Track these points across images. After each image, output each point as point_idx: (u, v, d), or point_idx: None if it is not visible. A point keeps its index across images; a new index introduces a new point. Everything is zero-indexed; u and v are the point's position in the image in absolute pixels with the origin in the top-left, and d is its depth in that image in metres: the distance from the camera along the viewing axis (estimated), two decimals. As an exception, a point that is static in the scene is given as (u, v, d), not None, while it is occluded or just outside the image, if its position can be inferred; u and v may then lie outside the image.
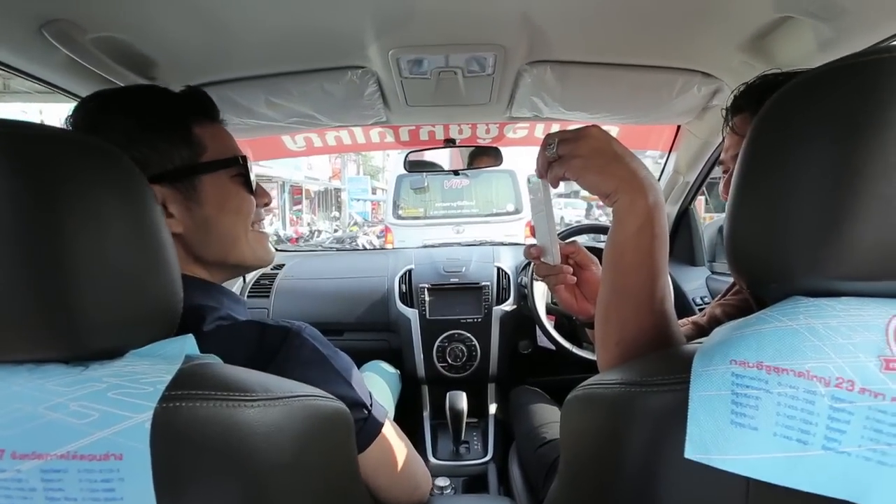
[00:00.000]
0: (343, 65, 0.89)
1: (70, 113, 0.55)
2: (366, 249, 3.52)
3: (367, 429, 0.56)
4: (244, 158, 0.60)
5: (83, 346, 0.37)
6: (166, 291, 0.41)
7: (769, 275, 0.37)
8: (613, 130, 1.42)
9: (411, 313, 1.42)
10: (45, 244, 0.34)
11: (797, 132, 0.34)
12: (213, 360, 0.44)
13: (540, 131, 1.39)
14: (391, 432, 0.61)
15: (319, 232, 8.87)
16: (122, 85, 0.78)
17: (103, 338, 0.37)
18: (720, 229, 1.53)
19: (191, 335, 0.42)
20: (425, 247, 1.90)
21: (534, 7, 0.72)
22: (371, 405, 0.58)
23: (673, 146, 1.32)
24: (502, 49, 0.82)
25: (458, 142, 1.33)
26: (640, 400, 0.37)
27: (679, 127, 1.27)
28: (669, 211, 1.49)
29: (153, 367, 0.37)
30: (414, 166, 1.33)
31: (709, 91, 0.96)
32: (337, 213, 14.85)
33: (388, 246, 4.91)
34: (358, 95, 0.96)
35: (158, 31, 0.73)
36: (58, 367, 0.37)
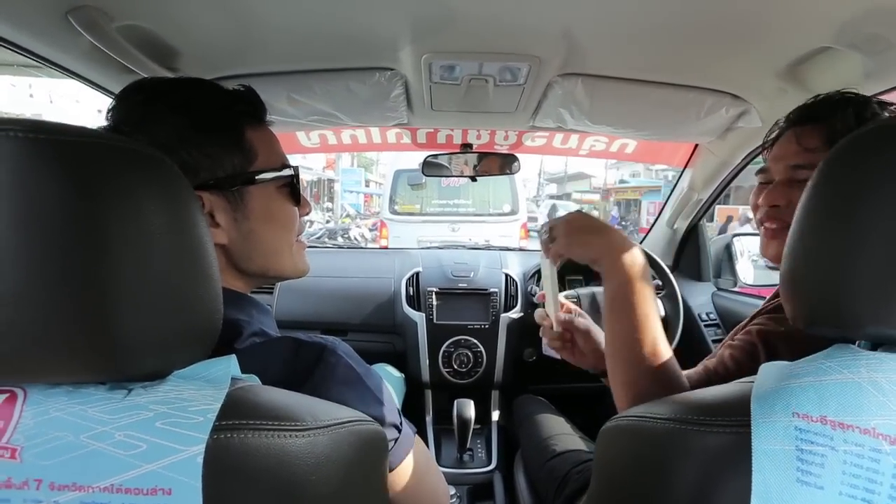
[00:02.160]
0: (372, 66, 0.87)
1: (111, 106, 0.51)
2: (371, 249, 3.48)
3: (398, 448, 0.55)
4: (296, 169, 0.57)
5: (125, 368, 0.35)
6: (210, 309, 0.39)
7: (831, 319, 0.37)
8: (631, 145, 1.42)
9: (418, 317, 1.40)
10: (86, 258, 0.32)
11: (870, 179, 0.34)
12: (255, 380, 0.42)
13: (559, 141, 1.38)
14: (418, 449, 0.60)
15: (311, 223, 8.77)
16: (144, 75, 0.75)
17: (146, 359, 0.35)
18: (727, 246, 1.54)
19: (233, 356, 0.40)
20: (430, 248, 1.88)
21: (575, 20, 0.70)
22: (402, 423, 0.57)
23: (689, 163, 1.32)
24: (537, 60, 0.81)
25: (475, 147, 1.31)
26: (692, 438, 0.37)
27: (696, 145, 1.27)
28: (679, 226, 1.49)
29: (200, 393, 0.36)
30: (432, 170, 1.31)
31: (736, 112, 0.96)
32: (329, 204, 14.71)
33: (383, 241, 4.88)
34: (383, 97, 0.94)
35: (185, 21, 0.70)
36: (98, 391, 0.35)
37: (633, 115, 1.03)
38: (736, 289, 1.47)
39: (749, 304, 1.28)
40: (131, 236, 0.33)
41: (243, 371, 0.45)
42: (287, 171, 0.56)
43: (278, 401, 0.38)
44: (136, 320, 0.34)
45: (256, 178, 0.53)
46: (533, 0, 0.64)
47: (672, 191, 1.46)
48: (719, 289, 1.50)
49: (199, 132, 0.51)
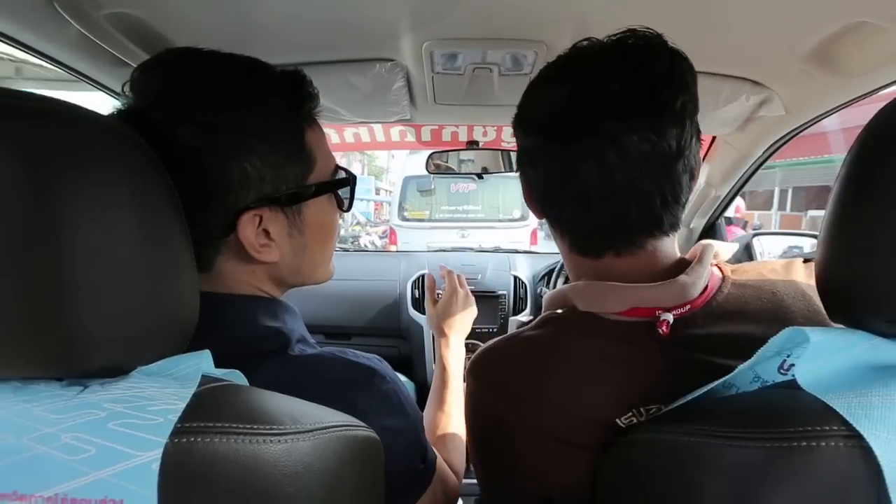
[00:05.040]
0: (372, 56, 0.83)
1: (141, 84, 0.44)
2: (376, 251, 3.48)
3: (423, 478, 0.52)
4: (352, 174, 0.52)
5: (81, 362, 0.31)
6: (180, 300, 0.36)
7: (888, 311, 0.32)
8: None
9: (424, 320, 1.36)
10: (37, 242, 0.28)
11: None
12: (237, 377, 0.38)
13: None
14: (441, 470, 0.57)
15: (322, 230, 8.82)
16: (134, 66, 0.73)
17: (103, 353, 0.31)
18: (747, 246, 1.47)
19: (207, 351, 0.36)
20: (438, 251, 1.84)
21: (579, 4, 0.66)
22: (427, 447, 0.54)
23: (706, 157, 1.26)
24: (544, 46, 0.77)
25: (481, 144, 1.27)
26: (721, 453, 0.32)
27: (714, 137, 1.22)
28: (696, 225, 1.43)
29: (163, 391, 0.32)
30: (437, 168, 1.28)
31: (757, 100, 0.90)
32: (340, 212, 14.79)
33: (392, 247, 4.87)
34: (384, 90, 0.91)
35: (177, 10, 0.67)
36: (49, 388, 0.31)
37: (647, 105, 0.98)
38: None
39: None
40: (86, 216, 0.30)
41: (297, 380, 0.43)
42: (340, 175, 0.51)
43: (254, 401, 0.34)
44: (91, 309, 0.30)
45: (319, 189, 0.49)
46: None
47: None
48: (740, 291, 1.43)
49: (262, 139, 0.44)
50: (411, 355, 1.37)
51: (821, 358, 0.34)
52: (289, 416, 0.33)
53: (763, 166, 1.17)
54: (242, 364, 0.40)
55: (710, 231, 1.44)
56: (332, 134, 1.38)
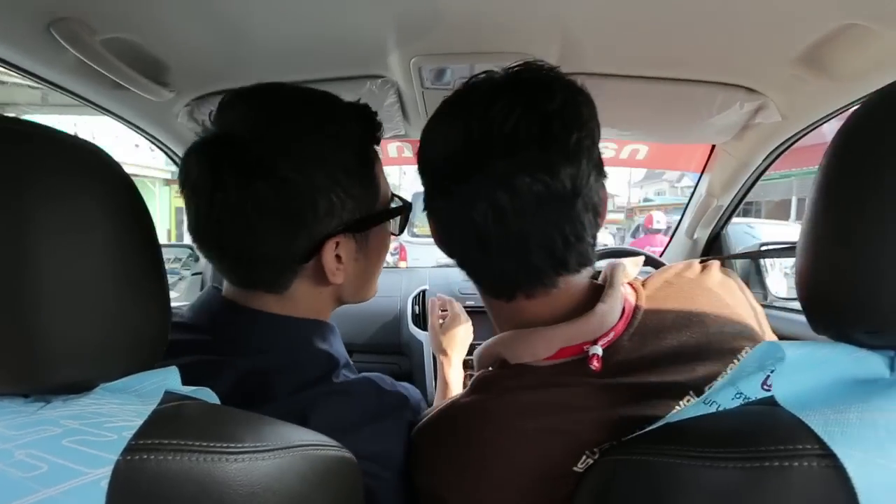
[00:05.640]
0: (362, 74, 0.85)
1: (234, 115, 0.47)
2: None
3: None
4: (410, 205, 0.56)
5: (44, 378, 0.31)
6: (149, 318, 0.35)
7: (867, 322, 0.31)
8: (643, 151, 1.36)
9: (424, 336, 1.35)
10: (1, 258, 0.29)
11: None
12: (205, 395, 0.38)
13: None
14: None
15: (334, 246, 8.90)
16: (135, 91, 0.75)
17: (68, 369, 0.31)
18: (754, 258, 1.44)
19: (174, 367, 0.36)
20: (440, 266, 1.83)
21: (566, 15, 0.67)
22: None
23: (706, 167, 1.25)
24: (531, 59, 0.77)
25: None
26: (695, 474, 0.31)
27: (713, 147, 1.20)
28: (700, 236, 1.40)
29: (123, 408, 0.31)
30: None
31: (752, 108, 0.89)
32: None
33: (402, 263, 4.87)
34: (377, 106, 0.91)
35: (171, 34, 0.70)
36: (13, 403, 0.31)
37: (639, 116, 0.97)
38: (766, 302, 1.36)
39: (781, 319, 1.17)
40: (52, 233, 0.30)
41: (337, 406, 0.46)
42: (397, 203, 0.55)
43: (214, 418, 0.33)
44: (55, 326, 0.30)
45: (386, 216, 0.53)
46: None
47: (690, 198, 1.38)
48: (749, 303, 1.39)
49: (347, 173, 0.47)
50: (411, 371, 1.36)
51: (800, 372, 0.32)
52: (251, 433, 0.33)
53: (781, 175, 1.16)
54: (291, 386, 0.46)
55: (716, 241, 1.41)
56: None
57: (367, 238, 0.52)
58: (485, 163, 0.40)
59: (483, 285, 0.49)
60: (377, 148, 0.53)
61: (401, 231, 0.57)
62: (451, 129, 0.44)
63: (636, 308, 0.47)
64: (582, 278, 0.46)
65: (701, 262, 0.52)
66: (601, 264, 0.57)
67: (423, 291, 1.43)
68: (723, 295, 0.48)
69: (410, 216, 0.58)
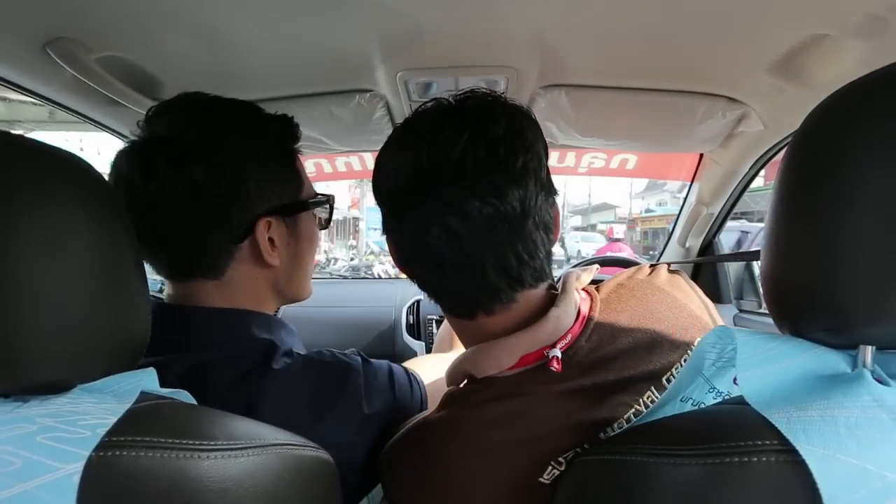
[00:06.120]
0: (351, 88, 0.87)
1: (170, 126, 0.51)
2: (376, 278, 3.51)
3: None
4: (333, 197, 0.62)
5: (23, 377, 0.32)
6: (128, 319, 0.37)
7: (824, 321, 0.31)
8: (632, 160, 1.37)
9: (417, 346, 1.36)
10: None
11: (856, 142, 0.29)
12: (183, 396, 0.39)
13: (555, 159, 1.35)
14: None
15: (336, 260, 8.93)
16: (130, 107, 0.78)
17: (46, 369, 0.32)
18: (748, 264, 1.44)
19: (152, 369, 0.37)
20: None
21: (547, 28, 0.69)
22: None
23: (695, 176, 1.26)
24: (514, 72, 0.79)
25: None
26: (661, 472, 0.32)
27: (701, 155, 1.22)
28: (693, 245, 1.41)
29: (98, 406, 0.32)
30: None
31: (734, 117, 0.91)
32: (354, 242, 15.03)
33: (403, 275, 4.87)
34: (366, 120, 0.94)
35: (164, 51, 0.72)
36: None
37: (624, 126, 0.99)
38: (761, 310, 1.36)
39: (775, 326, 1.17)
40: (33, 235, 0.31)
41: (283, 393, 0.48)
42: (322, 197, 0.61)
43: (188, 417, 0.34)
44: (33, 326, 0.31)
45: (310, 203, 0.58)
46: (501, 7, 0.63)
47: (682, 207, 1.40)
48: (742, 311, 1.39)
49: (274, 162, 0.54)
50: (406, 381, 1.36)
51: (761, 365, 0.33)
52: (224, 431, 0.34)
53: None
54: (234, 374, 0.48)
55: (708, 249, 1.42)
56: (324, 164, 1.43)
57: (297, 224, 0.57)
58: (435, 189, 0.42)
59: (445, 305, 0.50)
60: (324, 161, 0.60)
61: (326, 225, 0.63)
62: (402, 158, 0.45)
63: (591, 310, 0.48)
64: (539, 290, 0.47)
65: (650, 266, 0.54)
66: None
67: (418, 301, 1.44)
68: (672, 292, 0.50)
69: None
